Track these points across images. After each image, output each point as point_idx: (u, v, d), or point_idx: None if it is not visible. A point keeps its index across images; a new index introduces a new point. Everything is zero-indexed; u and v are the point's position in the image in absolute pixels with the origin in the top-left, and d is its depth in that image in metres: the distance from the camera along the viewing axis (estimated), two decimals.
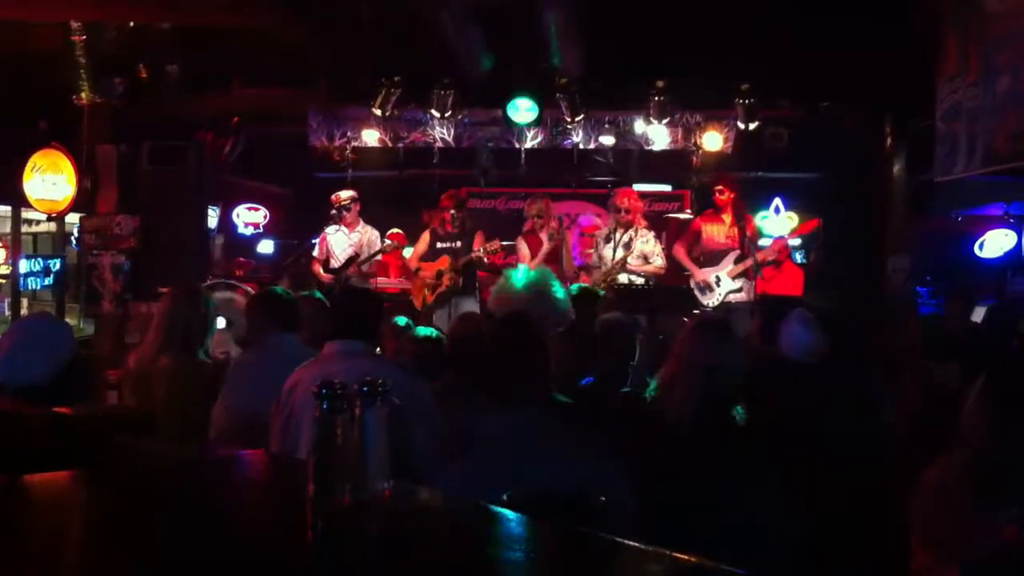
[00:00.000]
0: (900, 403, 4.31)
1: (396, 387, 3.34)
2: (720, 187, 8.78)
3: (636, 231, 8.57)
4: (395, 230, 10.71)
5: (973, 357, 4.40)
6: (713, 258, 8.65)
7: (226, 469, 2.13)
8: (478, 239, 8.61)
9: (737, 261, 8.50)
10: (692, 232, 8.91)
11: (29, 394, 3.36)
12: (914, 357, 4.82)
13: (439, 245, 8.78)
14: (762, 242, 9.61)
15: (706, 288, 8.57)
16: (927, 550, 2.56)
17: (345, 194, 9.15)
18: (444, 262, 8.63)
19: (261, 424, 3.76)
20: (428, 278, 8.71)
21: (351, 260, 8.86)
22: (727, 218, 8.66)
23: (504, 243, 8.89)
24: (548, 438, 2.71)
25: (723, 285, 8.49)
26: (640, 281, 8.44)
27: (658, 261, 8.56)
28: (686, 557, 1.38)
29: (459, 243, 8.68)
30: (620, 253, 8.47)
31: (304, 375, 3.62)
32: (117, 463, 2.08)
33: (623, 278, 8.40)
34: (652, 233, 8.74)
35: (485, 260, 8.58)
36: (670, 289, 8.60)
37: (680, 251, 8.78)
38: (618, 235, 8.57)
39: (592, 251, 8.95)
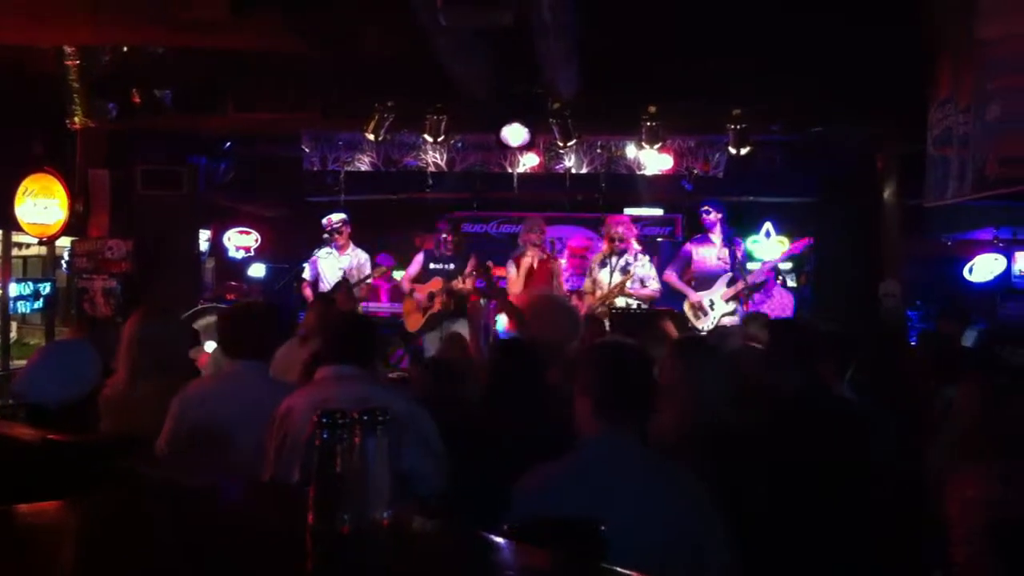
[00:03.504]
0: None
1: (390, 406, 3.34)
2: (707, 207, 8.82)
3: (633, 256, 8.62)
4: (384, 253, 10.71)
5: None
6: (706, 281, 8.67)
7: (223, 496, 2.11)
8: (471, 263, 8.62)
9: (729, 284, 8.53)
10: (682, 257, 8.95)
11: (39, 413, 3.34)
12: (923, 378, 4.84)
13: (432, 266, 8.79)
14: (751, 265, 9.63)
15: (700, 311, 8.59)
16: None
17: (336, 217, 9.17)
18: (436, 284, 8.63)
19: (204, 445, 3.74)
20: (421, 300, 8.72)
21: (341, 284, 8.86)
22: (717, 240, 8.69)
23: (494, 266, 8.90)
24: (646, 466, 2.70)
25: (717, 308, 8.51)
26: (633, 305, 8.46)
27: (654, 285, 8.63)
28: None
29: (452, 265, 8.70)
30: (617, 277, 8.51)
31: (299, 400, 3.60)
32: (111, 489, 2.06)
33: (620, 302, 8.43)
34: (647, 257, 8.78)
35: (469, 284, 8.56)
36: (664, 313, 8.59)
37: (671, 276, 8.82)
38: (613, 260, 8.62)
39: (587, 275, 8.98)
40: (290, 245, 11.90)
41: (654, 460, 2.74)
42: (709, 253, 8.73)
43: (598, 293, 8.60)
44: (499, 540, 1.62)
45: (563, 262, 9.30)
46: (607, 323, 7.44)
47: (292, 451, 3.48)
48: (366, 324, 4.17)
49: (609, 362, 2.91)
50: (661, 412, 3.54)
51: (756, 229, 12.44)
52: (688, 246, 9.05)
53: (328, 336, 4.07)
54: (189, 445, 3.79)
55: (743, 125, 9.49)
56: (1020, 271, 13.96)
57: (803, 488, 3.11)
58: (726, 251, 8.59)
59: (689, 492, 2.67)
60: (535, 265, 8.77)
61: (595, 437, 2.75)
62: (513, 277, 8.85)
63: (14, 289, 9.94)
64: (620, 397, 2.78)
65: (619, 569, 1.42)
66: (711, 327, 8.46)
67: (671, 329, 6.02)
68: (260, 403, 3.80)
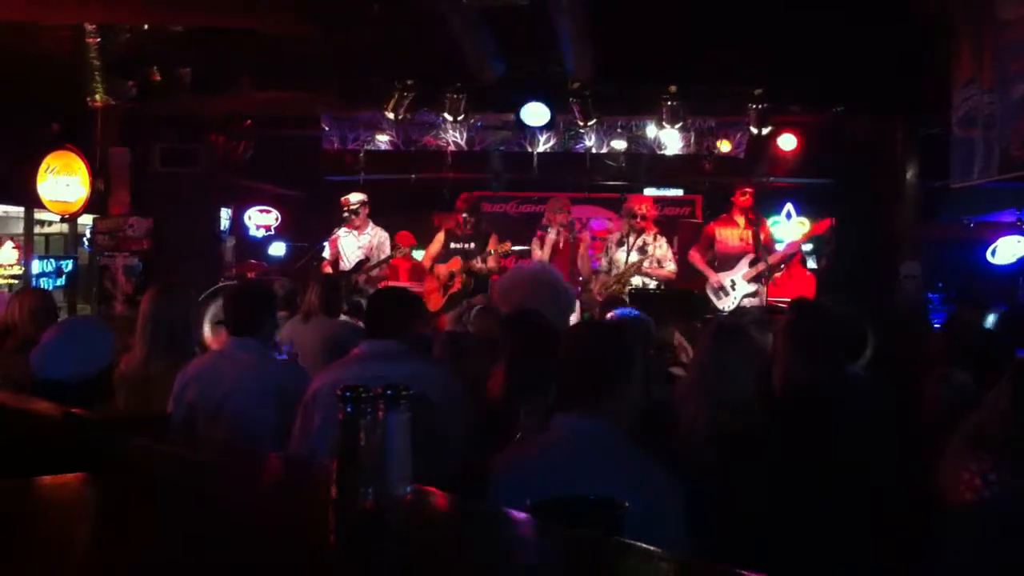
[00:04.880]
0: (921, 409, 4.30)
1: (431, 383, 3.32)
2: (745, 189, 8.72)
3: (652, 236, 8.61)
4: (403, 231, 10.71)
5: (984, 363, 4.36)
6: (727, 262, 8.61)
7: (244, 471, 2.12)
8: (492, 242, 8.64)
9: (751, 264, 8.47)
10: (706, 237, 8.89)
11: (53, 388, 3.36)
12: (934, 363, 4.79)
13: (453, 246, 8.80)
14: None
15: (721, 292, 8.54)
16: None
17: (355, 197, 9.16)
18: (456, 263, 8.65)
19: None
20: (441, 278, 8.74)
21: (361, 263, 8.87)
22: (741, 221, 8.62)
23: (517, 247, 8.91)
24: (614, 450, 2.60)
25: (738, 289, 8.46)
26: (652, 285, 8.46)
27: (670, 266, 8.60)
28: (695, 560, 1.38)
29: (472, 245, 8.70)
30: (634, 256, 8.51)
31: (342, 376, 3.52)
32: (131, 465, 2.08)
33: (636, 281, 8.43)
34: (664, 239, 8.76)
35: (492, 263, 8.57)
36: (683, 293, 8.57)
37: (696, 256, 8.77)
38: (631, 239, 8.61)
39: (603, 255, 8.97)
40: (310, 224, 11.90)
41: (620, 449, 2.62)
42: (731, 234, 8.67)
43: (614, 272, 8.59)
44: (519, 516, 1.62)
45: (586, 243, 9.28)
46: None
47: (334, 427, 3.43)
48: (404, 299, 4.10)
49: (567, 345, 2.86)
50: (686, 400, 3.51)
51: (777, 210, 12.37)
52: (711, 226, 8.99)
53: (367, 313, 4.05)
54: (188, 421, 3.83)
55: (763, 105, 9.44)
56: None
57: (804, 488, 3.07)
58: (749, 232, 8.52)
59: (651, 487, 2.52)
60: (560, 244, 8.80)
61: (560, 419, 2.69)
62: (538, 255, 8.87)
63: (36, 266, 10.01)
64: (573, 380, 2.71)
65: (640, 544, 1.42)
66: (732, 307, 8.43)
67: (680, 339, 5.92)
68: (251, 379, 3.84)
